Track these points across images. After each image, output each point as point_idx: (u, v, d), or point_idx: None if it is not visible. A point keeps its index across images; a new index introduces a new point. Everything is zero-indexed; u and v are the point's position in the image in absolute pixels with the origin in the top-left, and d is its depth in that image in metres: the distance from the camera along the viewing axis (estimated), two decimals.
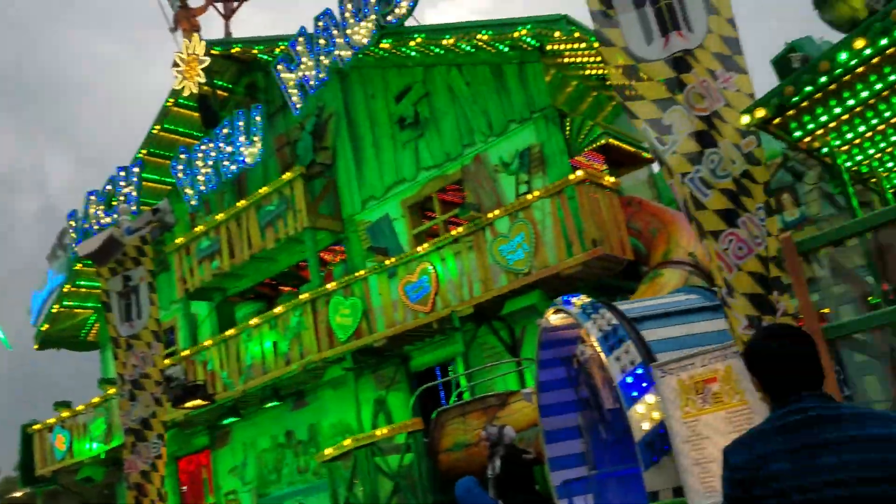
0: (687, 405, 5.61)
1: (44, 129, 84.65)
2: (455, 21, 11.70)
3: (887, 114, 5.78)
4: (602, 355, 6.28)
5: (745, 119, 5.04)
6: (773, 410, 2.05)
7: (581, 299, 7.01)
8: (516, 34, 10.74)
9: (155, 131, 16.25)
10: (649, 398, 5.89)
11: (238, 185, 15.36)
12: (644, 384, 5.94)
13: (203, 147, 14.67)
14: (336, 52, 12.47)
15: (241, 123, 14.06)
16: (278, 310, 12.85)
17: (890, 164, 6.80)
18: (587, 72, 12.09)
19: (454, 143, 12.19)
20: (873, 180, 6.96)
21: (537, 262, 9.98)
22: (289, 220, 13.22)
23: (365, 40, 12.09)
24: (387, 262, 11.52)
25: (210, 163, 14.50)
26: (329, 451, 10.52)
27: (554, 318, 7.43)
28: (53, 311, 17.48)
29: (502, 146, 11.65)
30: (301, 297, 12.51)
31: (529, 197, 10.30)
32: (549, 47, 11.11)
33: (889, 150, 6.49)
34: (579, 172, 10.03)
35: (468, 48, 11.65)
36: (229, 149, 14.17)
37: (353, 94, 13.79)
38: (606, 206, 10.18)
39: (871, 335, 6.29)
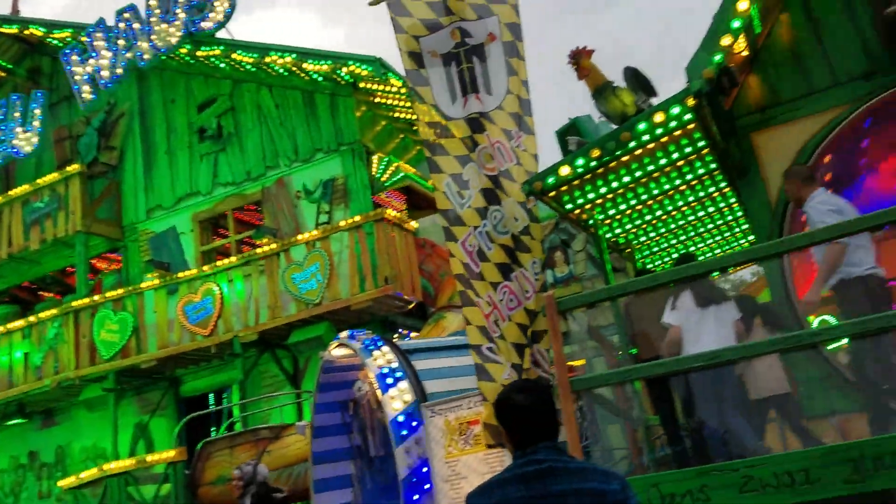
0: (450, 445, 5.86)
1: None
2: (274, 42, 11.46)
3: (644, 196, 6.62)
4: (378, 392, 6.38)
5: (525, 189, 5.53)
6: (514, 459, 2.25)
7: (365, 335, 7.09)
8: (328, 66, 10.77)
9: None
10: (417, 437, 6.06)
11: (5, 175, 13.71)
12: (414, 423, 6.12)
13: None
14: (137, 50, 11.68)
15: (17, 109, 12.62)
16: (34, 318, 11.52)
17: (643, 239, 7.74)
18: (396, 114, 12.42)
19: (257, 163, 11.85)
20: (628, 251, 7.87)
21: (329, 293, 9.93)
22: (59, 220, 12.00)
23: (171, 43, 11.46)
24: (168, 277, 10.83)
25: None
26: (74, 479, 9.54)
27: (337, 352, 7.42)
28: None
29: (307, 173, 11.53)
30: (63, 306, 11.34)
31: (329, 228, 10.27)
32: (362, 85, 11.27)
33: (643, 226, 7.43)
34: (380, 210, 10.20)
35: (282, 71, 11.48)
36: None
37: (151, 96, 12.96)
38: (402, 247, 10.43)
39: (613, 390, 7.05)
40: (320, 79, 11.34)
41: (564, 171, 5.66)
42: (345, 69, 10.71)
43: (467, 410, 5.89)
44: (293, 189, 11.53)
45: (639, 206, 6.81)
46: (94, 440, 11.96)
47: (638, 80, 5.84)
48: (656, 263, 8.51)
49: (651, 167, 5.95)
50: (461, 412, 5.91)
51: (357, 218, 10.22)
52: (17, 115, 12.68)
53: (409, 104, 11.95)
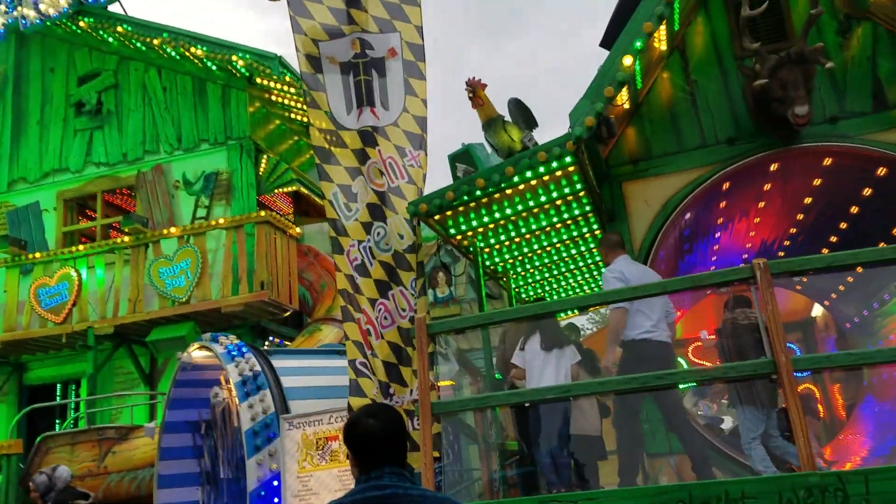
0: (305, 460, 5.76)
1: None
2: (169, 24, 10.95)
3: (523, 229, 6.82)
4: (235, 400, 6.16)
5: (411, 210, 5.53)
6: (357, 483, 2.22)
7: (229, 339, 6.85)
8: (226, 57, 10.42)
9: None
10: (271, 449, 5.90)
11: None
12: (270, 435, 5.96)
13: None
14: (19, 12, 10.87)
15: None
16: None
17: (519, 269, 7.94)
18: (292, 115, 12.15)
19: (135, 146, 11.25)
20: (505, 279, 8.05)
21: (198, 292, 9.52)
22: None
23: (55, 11, 10.74)
24: (23, 256, 10.06)
25: None
26: None
27: (197, 354, 7.12)
28: None
29: (189, 163, 11.04)
30: None
31: (206, 224, 9.87)
32: (258, 80, 10.96)
33: (520, 257, 7.63)
34: (263, 213, 9.91)
35: (174, 54, 10.99)
36: None
37: (30, 61, 12.07)
38: (283, 252, 10.17)
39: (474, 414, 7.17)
40: (214, 67, 10.93)
41: (449, 195, 5.74)
42: (241, 62, 10.38)
43: (327, 426, 5.81)
44: (172, 178, 11.01)
45: (518, 238, 6.99)
46: None
47: (520, 111, 6.01)
48: (530, 294, 8.74)
49: (532, 203, 6.13)
50: (320, 427, 5.82)
51: (238, 217, 9.88)
52: None
53: (305, 107, 11.74)
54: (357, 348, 5.43)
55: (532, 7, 79.75)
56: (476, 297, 15.06)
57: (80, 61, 11.79)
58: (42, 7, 10.80)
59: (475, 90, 6.27)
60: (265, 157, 11.30)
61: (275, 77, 10.30)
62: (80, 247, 10.16)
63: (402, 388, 5.38)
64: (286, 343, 10.92)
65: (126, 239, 9.90)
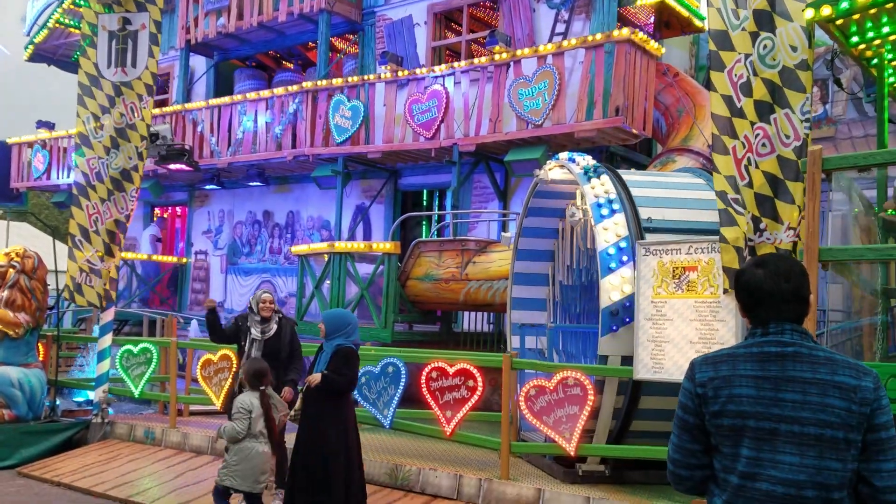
0: (660, 286, 5.68)
1: None
2: None
3: None
4: (591, 221, 6.20)
5: (810, 14, 4.74)
6: (751, 335, 2.08)
7: (585, 160, 6.79)
8: None
9: None
10: (625, 272, 5.91)
11: None
12: (625, 258, 5.94)
13: None
14: None
15: None
16: (279, 91, 12.29)
17: None
18: None
19: None
20: None
21: (554, 116, 9.48)
22: None
23: None
24: (400, 73, 10.88)
25: None
26: (306, 248, 10.63)
27: (553, 173, 7.23)
28: (49, 25, 16.57)
29: None
30: (304, 84, 11.92)
31: (566, 44, 9.54)
32: None
33: None
34: (625, 30, 9.23)
35: None
36: None
37: None
38: (641, 74, 9.51)
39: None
40: None
41: None
42: None
43: (685, 256, 5.59)
44: None
45: None
46: (321, 212, 13.12)
47: None
48: None
49: None
50: (678, 256, 5.62)
51: (598, 36, 9.36)
52: None
53: None
54: (728, 182, 4.99)
55: None
56: (858, 118, 12.90)
57: None
58: None
59: None
60: None
61: None
62: (449, 65, 10.61)
63: (775, 224, 4.86)
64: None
65: (488, 59, 10.06)
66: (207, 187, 14.33)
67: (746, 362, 2.01)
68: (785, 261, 2.11)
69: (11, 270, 9.19)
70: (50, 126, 16.11)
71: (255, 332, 6.15)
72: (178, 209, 16.25)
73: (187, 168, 11.14)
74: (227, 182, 14.18)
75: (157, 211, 16.52)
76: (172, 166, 11.10)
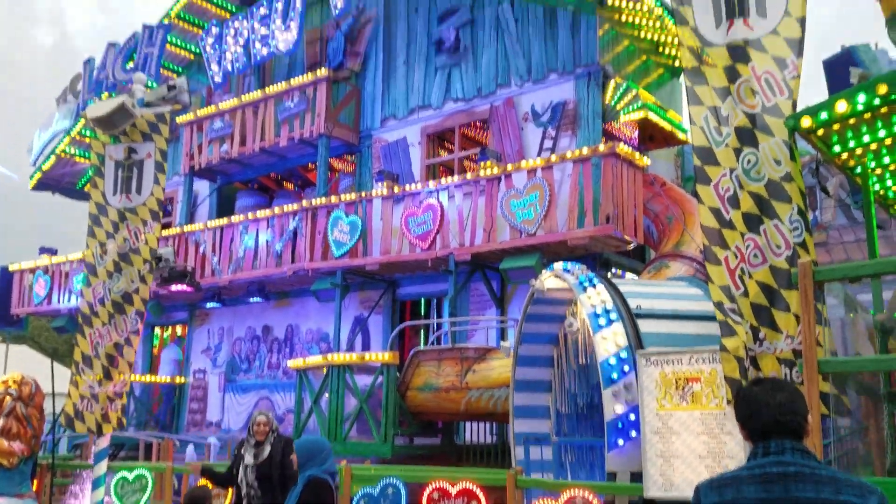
0: (665, 398, 5.62)
1: None
2: None
3: None
4: (590, 331, 6.22)
5: (790, 124, 4.89)
6: (753, 455, 2.08)
7: (581, 269, 6.90)
8: None
9: None
10: (627, 382, 5.87)
11: (262, 71, 14.86)
12: (626, 368, 5.92)
13: (236, 24, 14.07)
14: None
15: (278, 6, 13.42)
16: (279, 210, 12.65)
17: None
18: (641, 34, 11.50)
19: (488, 80, 11.70)
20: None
21: (546, 225, 9.74)
22: (306, 121, 12.85)
23: None
24: (395, 188, 11.25)
25: (241, 42, 13.94)
26: (302, 362, 10.61)
27: (549, 283, 7.34)
28: (55, 155, 17.23)
29: (537, 95, 11.19)
30: (304, 203, 12.29)
31: (554, 158, 9.95)
32: (609, 1, 10.49)
33: None
34: (610, 144, 9.64)
35: None
36: (263, 30, 13.58)
37: (397, 3, 13.12)
38: (629, 183, 9.85)
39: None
40: None
41: (841, 107, 4.86)
42: None
43: (687, 366, 5.58)
44: (521, 110, 11.28)
45: None
46: (320, 325, 13.18)
47: None
48: None
49: None
50: (680, 367, 5.61)
51: (585, 150, 9.77)
52: (278, 10, 13.48)
53: (657, 23, 11.01)
54: (724, 292, 5.05)
55: None
56: (848, 224, 13.13)
57: (441, 0, 12.47)
58: None
59: None
60: (612, 83, 10.94)
61: None
62: (443, 179, 10.99)
63: (774, 334, 4.86)
64: (628, 277, 10.76)
65: (481, 174, 10.44)
66: (208, 305, 14.45)
67: (750, 485, 2.01)
68: (780, 380, 2.21)
69: (8, 398, 9.06)
70: (52, 252, 16.41)
71: (248, 458, 5.99)
72: (178, 328, 16.29)
73: (189, 289, 11.29)
74: (228, 299, 14.31)
75: (157, 331, 16.55)
76: (174, 287, 11.25)
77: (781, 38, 4.87)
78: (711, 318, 5.36)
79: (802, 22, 4.93)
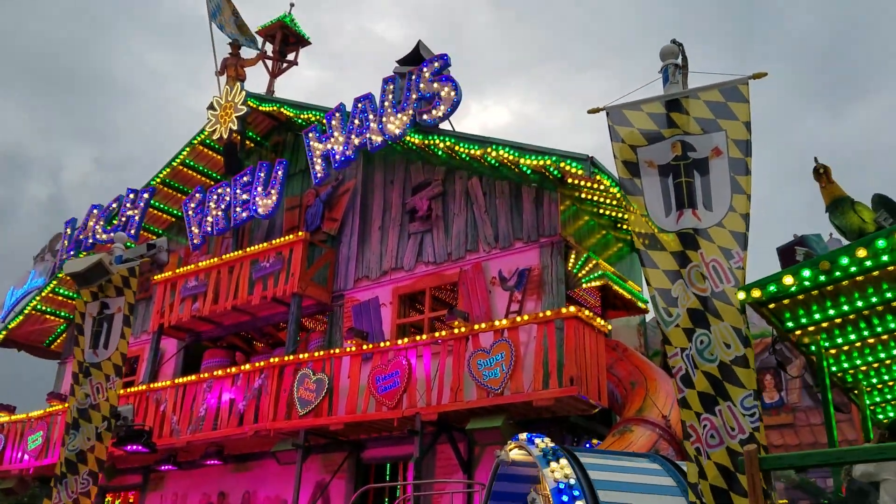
0: None
1: (70, 120, 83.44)
2: (490, 136, 12.00)
3: (879, 329, 5.81)
4: None
5: (741, 296, 5.09)
6: None
7: (544, 442, 6.90)
8: (542, 162, 11.02)
9: (176, 164, 16.49)
10: None
11: (240, 233, 15.44)
12: None
13: (219, 190, 14.83)
14: (368, 136, 12.79)
15: (262, 175, 14.26)
16: (245, 368, 12.62)
17: (874, 381, 6.77)
18: (601, 210, 12.35)
19: (458, 246, 12.31)
20: (855, 391, 6.93)
21: (512, 385, 9.86)
22: (280, 280, 13.20)
23: (398, 131, 12.42)
24: (365, 346, 11.40)
25: (222, 206, 14.62)
26: None
27: (514, 453, 7.31)
28: (25, 312, 17.23)
29: (504, 260, 11.75)
30: (272, 360, 12.31)
31: (519, 320, 10.29)
32: (569, 180, 11.39)
33: (875, 365, 6.49)
34: (572, 308, 10.05)
35: (493, 162, 11.94)
36: (245, 196, 14.32)
37: (374, 175, 14.04)
38: (592, 347, 10.14)
39: None
40: (529, 171, 11.63)
41: (788, 280, 5.14)
42: (554, 165, 10.91)
43: None
44: (489, 274, 11.79)
45: (872, 340, 5.97)
46: (278, 491, 12.67)
47: (887, 207, 5.28)
48: (889, 414, 7.39)
49: (890, 294, 5.26)
50: None
51: (548, 313, 10.15)
52: (261, 179, 14.28)
53: (615, 202, 11.87)
54: (693, 470, 5.06)
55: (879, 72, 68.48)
56: (814, 406, 13.28)
57: (415, 173, 13.39)
58: (386, 128, 12.54)
59: (826, 174, 5.78)
60: (574, 252, 11.58)
61: (586, 176, 10.60)
62: (412, 338, 11.19)
63: None
64: (593, 442, 10.72)
65: (451, 332, 10.70)
66: (163, 468, 13.88)
67: None
68: None
69: None
70: (10, 409, 15.91)
71: None
72: (130, 496, 15.47)
73: (143, 449, 10.98)
74: (184, 462, 13.78)
75: (108, 497, 15.68)
76: (129, 448, 10.95)
77: (727, 231, 5.24)
78: (675, 493, 5.36)
79: (746, 218, 5.31)
